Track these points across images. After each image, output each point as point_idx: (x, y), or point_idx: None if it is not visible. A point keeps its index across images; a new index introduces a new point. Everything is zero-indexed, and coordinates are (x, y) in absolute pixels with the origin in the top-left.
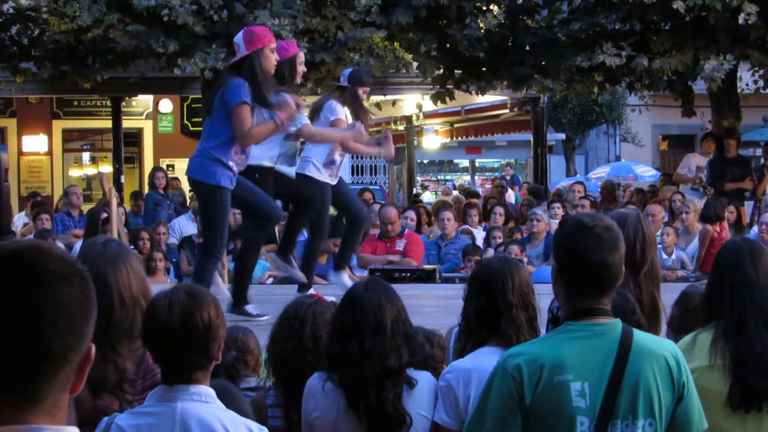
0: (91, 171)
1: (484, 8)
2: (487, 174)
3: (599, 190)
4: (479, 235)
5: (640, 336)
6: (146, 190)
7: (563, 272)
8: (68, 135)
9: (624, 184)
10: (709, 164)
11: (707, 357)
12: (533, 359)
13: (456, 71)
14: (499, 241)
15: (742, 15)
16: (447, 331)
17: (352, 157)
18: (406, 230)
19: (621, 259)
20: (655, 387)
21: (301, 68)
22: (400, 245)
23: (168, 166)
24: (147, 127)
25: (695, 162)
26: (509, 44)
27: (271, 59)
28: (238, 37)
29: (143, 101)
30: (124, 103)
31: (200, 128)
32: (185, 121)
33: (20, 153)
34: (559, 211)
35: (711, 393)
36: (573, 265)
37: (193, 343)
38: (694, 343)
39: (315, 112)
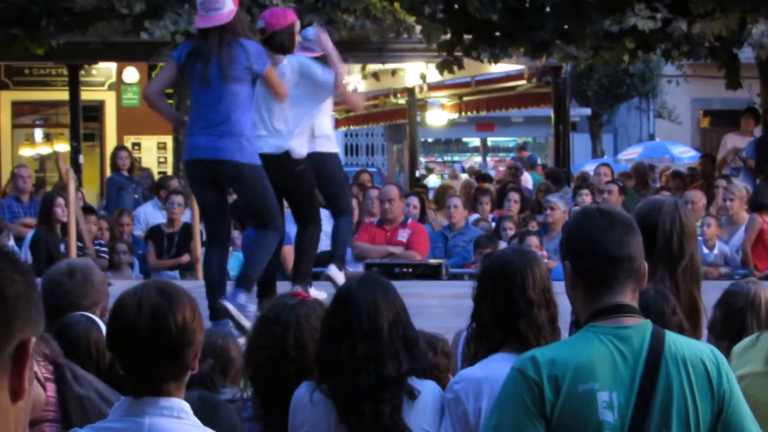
0: (45, 150)
1: None
2: (500, 155)
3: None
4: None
5: (672, 338)
6: (108, 172)
7: (578, 268)
8: (18, 108)
9: (660, 167)
10: (754, 145)
11: (764, 361)
12: (554, 363)
13: (465, 36)
14: (511, 232)
15: None
16: (454, 335)
17: (346, 135)
18: (410, 219)
19: (640, 244)
20: (690, 398)
21: (298, 38)
22: (402, 235)
23: (133, 144)
24: (109, 99)
25: (732, 143)
26: (527, 5)
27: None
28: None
29: (105, 70)
30: (82, 72)
31: (171, 101)
32: None
33: None
34: (587, 199)
35: (760, 404)
36: (587, 250)
37: (165, 349)
38: (756, 344)
39: None
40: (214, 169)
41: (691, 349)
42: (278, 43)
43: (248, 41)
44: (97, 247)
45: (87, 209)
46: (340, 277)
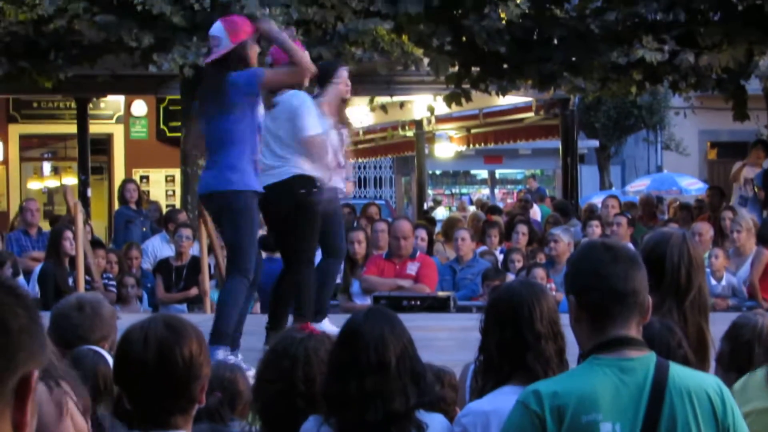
0: (53, 183)
1: None
2: (508, 187)
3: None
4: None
5: (676, 370)
6: (116, 205)
7: (583, 302)
8: (27, 141)
9: (668, 199)
10: (762, 175)
11: (766, 396)
12: (556, 394)
13: (473, 68)
14: (519, 264)
15: None
16: (462, 368)
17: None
18: (419, 252)
19: (644, 278)
20: (695, 429)
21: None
22: (412, 269)
23: (141, 177)
24: (117, 132)
25: (743, 174)
26: (534, 37)
27: (255, 50)
28: (217, 29)
29: (113, 103)
30: (91, 105)
31: (179, 134)
32: (161, 126)
33: None
34: (598, 230)
35: None
36: (591, 285)
37: (172, 382)
38: (747, 384)
39: None
40: (204, 202)
41: (696, 381)
42: (239, 57)
43: (235, 74)
44: (106, 281)
45: (96, 243)
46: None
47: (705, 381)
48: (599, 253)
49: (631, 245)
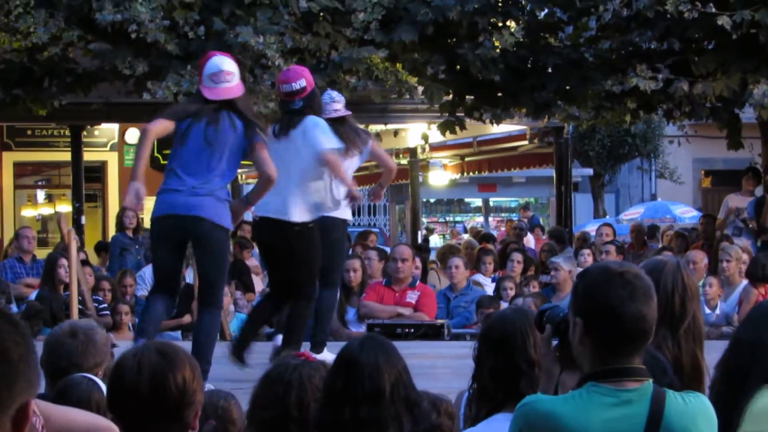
0: (47, 211)
1: (500, 24)
2: (502, 215)
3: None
4: (489, 286)
5: (672, 402)
6: (111, 232)
7: (590, 330)
8: (21, 169)
9: (663, 227)
10: (754, 204)
11: None
12: (551, 416)
13: (467, 97)
14: (512, 292)
15: None
16: (456, 395)
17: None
18: (418, 281)
19: (655, 310)
20: None
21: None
22: (411, 297)
23: None
24: (111, 160)
25: (734, 203)
26: (528, 66)
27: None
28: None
29: (107, 131)
30: (85, 133)
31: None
32: (156, 154)
33: None
34: (589, 259)
35: None
36: (603, 319)
37: (166, 409)
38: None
39: None
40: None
41: (692, 411)
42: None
43: (241, 120)
44: (96, 304)
45: (82, 261)
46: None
47: (700, 407)
48: (616, 287)
49: (645, 274)
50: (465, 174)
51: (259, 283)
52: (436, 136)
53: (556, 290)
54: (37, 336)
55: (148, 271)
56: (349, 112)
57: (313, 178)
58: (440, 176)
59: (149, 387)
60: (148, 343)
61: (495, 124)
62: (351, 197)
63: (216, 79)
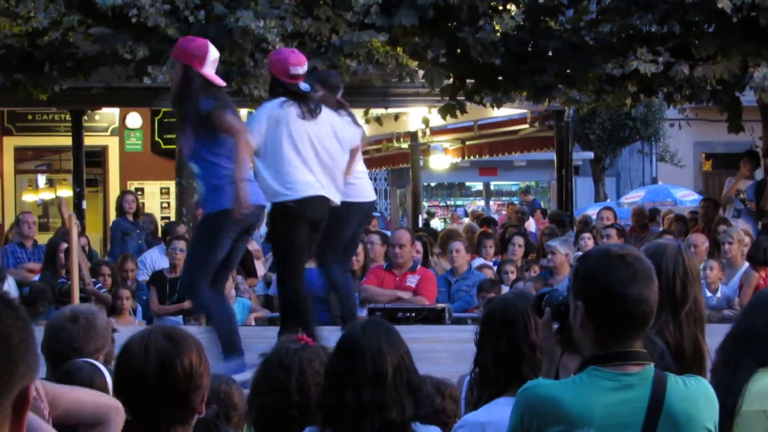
0: (47, 195)
1: (501, 8)
2: (503, 199)
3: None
4: (492, 270)
5: (674, 386)
6: (112, 217)
7: (591, 313)
8: (21, 154)
9: (663, 210)
10: (754, 188)
11: None
12: (552, 401)
13: (468, 81)
14: (512, 276)
15: None
16: (458, 379)
17: None
18: (419, 265)
19: (656, 293)
20: None
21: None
22: (411, 281)
23: (136, 189)
24: (112, 144)
25: (735, 186)
26: (529, 49)
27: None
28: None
29: (108, 115)
30: (85, 118)
31: (173, 146)
32: (156, 138)
33: None
34: (590, 242)
35: None
36: (605, 302)
37: (173, 393)
38: None
39: None
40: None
41: (694, 396)
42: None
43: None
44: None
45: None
46: None
47: (701, 390)
48: (617, 269)
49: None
50: (466, 158)
51: (261, 268)
52: (436, 119)
53: (554, 273)
54: (41, 316)
55: (149, 256)
56: None
57: (342, 162)
58: (441, 160)
59: (157, 371)
60: (155, 327)
61: (496, 108)
62: None
63: (215, 65)
